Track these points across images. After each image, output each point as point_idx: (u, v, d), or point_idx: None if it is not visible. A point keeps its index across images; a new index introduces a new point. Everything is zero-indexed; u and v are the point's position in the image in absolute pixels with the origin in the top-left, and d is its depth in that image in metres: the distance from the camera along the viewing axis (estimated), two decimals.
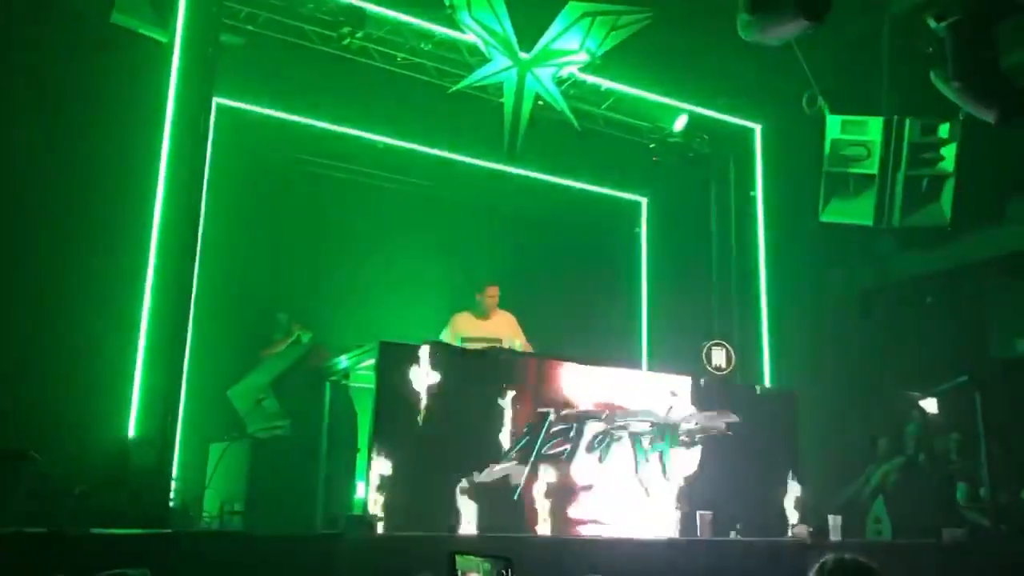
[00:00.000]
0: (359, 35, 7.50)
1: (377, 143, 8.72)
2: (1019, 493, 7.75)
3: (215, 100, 7.01)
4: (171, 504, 5.68)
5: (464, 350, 6.77)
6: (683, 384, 6.58)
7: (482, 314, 7.58)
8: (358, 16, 7.36)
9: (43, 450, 4.80)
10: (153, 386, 6.03)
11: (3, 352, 5.63)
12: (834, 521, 6.28)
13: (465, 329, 7.46)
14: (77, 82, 6.11)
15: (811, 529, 6.13)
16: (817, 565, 2.62)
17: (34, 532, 4.00)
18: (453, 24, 7.55)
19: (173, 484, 5.90)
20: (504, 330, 7.49)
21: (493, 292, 7.62)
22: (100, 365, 6.00)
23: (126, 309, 6.14)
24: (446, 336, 7.28)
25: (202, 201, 6.59)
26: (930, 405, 9.35)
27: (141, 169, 6.37)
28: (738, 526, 6.11)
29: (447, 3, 7.33)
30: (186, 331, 6.28)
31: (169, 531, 4.83)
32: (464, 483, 5.49)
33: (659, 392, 6.39)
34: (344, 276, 8.44)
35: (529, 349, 7.37)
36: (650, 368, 9.61)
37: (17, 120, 5.94)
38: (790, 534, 6.23)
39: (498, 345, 7.01)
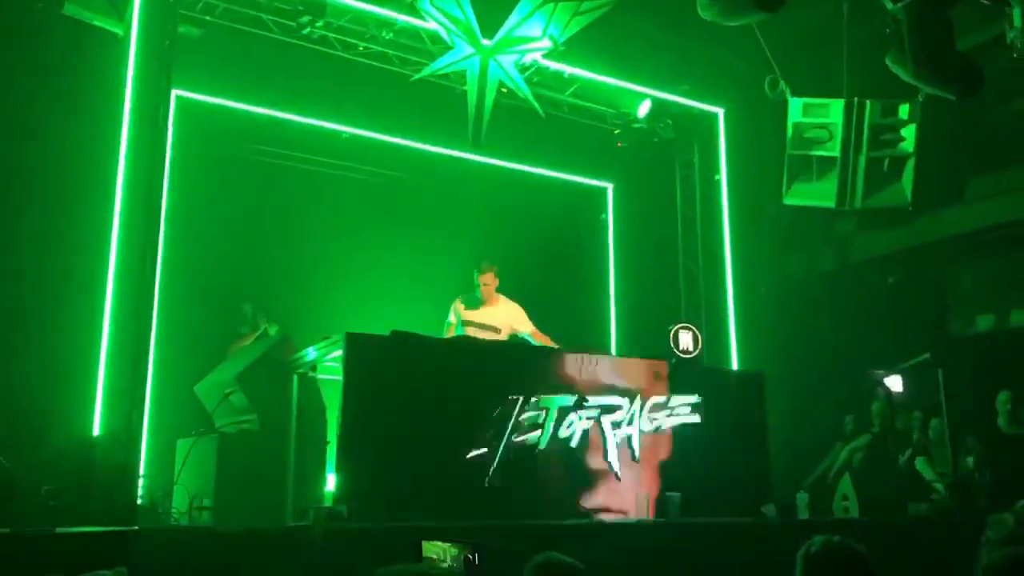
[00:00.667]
0: (319, 24, 7.45)
1: (340, 133, 8.66)
2: (979, 468, 7.91)
3: (174, 92, 6.92)
4: (139, 501, 5.63)
5: (433, 339, 6.75)
6: (651, 367, 6.61)
7: (480, 300, 7.26)
8: (318, 5, 7.29)
9: (6, 449, 4.73)
10: (117, 382, 5.98)
11: None
12: (801, 500, 6.37)
13: (466, 314, 7.23)
14: (32, 76, 6.01)
15: (779, 508, 6.21)
16: (803, 548, 2.54)
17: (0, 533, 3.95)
18: (415, 12, 7.51)
19: (141, 481, 5.84)
20: (504, 319, 7.23)
21: (487, 279, 7.23)
22: (62, 362, 5.94)
23: (88, 304, 6.07)
24: (452, 318, 7.21)
25: (163, 194, 6.52)
26: (894, 383, 9.52)
27: (101, 163, 6.30)
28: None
29: None
30: (150, 325, 6.23)
31: (137, 528, 4.79)
32: (434, 472, 5.48)
33: (628, 376, 6.42)
34: (308, 267, 8.38)
35: (544, 339, 7.18)
36: (618, 352, 9.65)
37: None
38: (760, 513, 6.29)
39: (497, 333, 6.95)
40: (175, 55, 6.72)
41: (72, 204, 6.20)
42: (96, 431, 5.91)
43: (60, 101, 6.21)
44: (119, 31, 6.15)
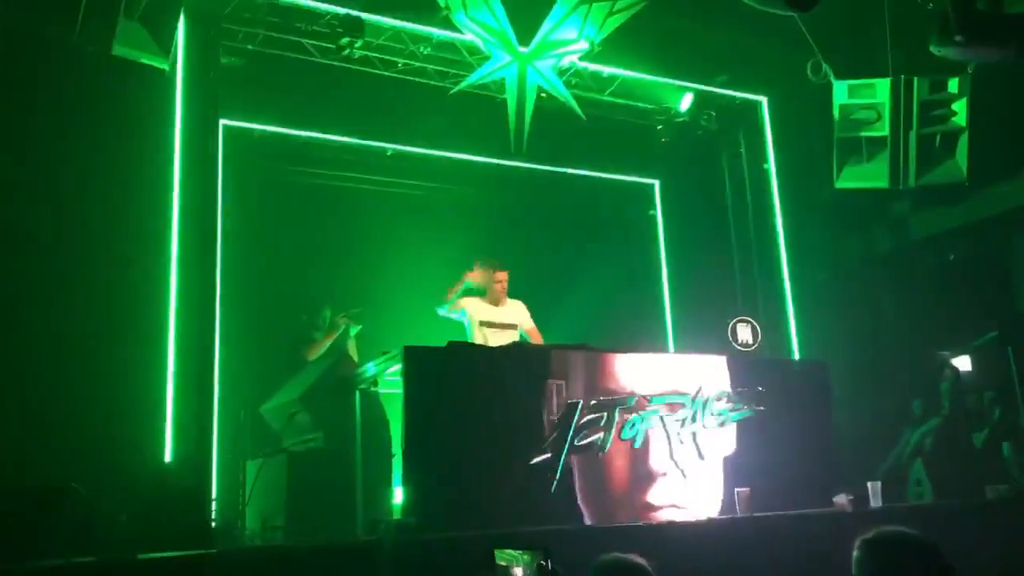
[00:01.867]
0: (358, 44, 7.55)
1: (385, 149, 8.76)
2: None
3: (222, 122, 7.07)
4: (213, 524, 5.74)
5: (487, 348, 6.79)
6: (711, 363, 6.56)
7: (494, 300, 7.51)
8: (355, 26, 7.40)
9: (84, 481, 4.87)
10: (186, 408, 6.13)
11: (37, 387, 5.73)
12: (874, 487, 6.25)
13: (482, 314, 7.44)
14: (88, 117, 6.21)
15: (851, 497, 6.10)
16: (859, 540, 2.51)
17: (84, 562, 4.06)
18: (451, 25, 7.57)
19: (214, 504, 5.96)
20: (517, 317, 7.53)
21: (502, 277, 7.51)
22: (132, 392, 6.10)
23: (153, 335, 6.24)
24: (468, 321, 7.35)
25: (218, 223, 6.66)
26: (962, 363, 9.29)
27: (155, 198, 6.47)
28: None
29: (442, 4, 7.34)
30: (214, 351, 6.38)
31: (214, 551, 4.88)
32: (499, 480, 5.50)
33: (687, 373, 6.37)
34: (363, 283, 8.47)
35: (538, 337, 7.43)
36: (676, 350, 9.60)
37: (38, 168, 6.07)
38: (831, 503, 6.19)
39: (514, 331, 7.12)
40: (219, 86, 6.89)
41: (131, 241, 6.39)
42: (168, 457, 6.06)
43: (112, 138, 6.40)
44: (165, 67, 6.30)
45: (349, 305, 7.84)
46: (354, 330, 7.47)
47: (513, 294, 7.69)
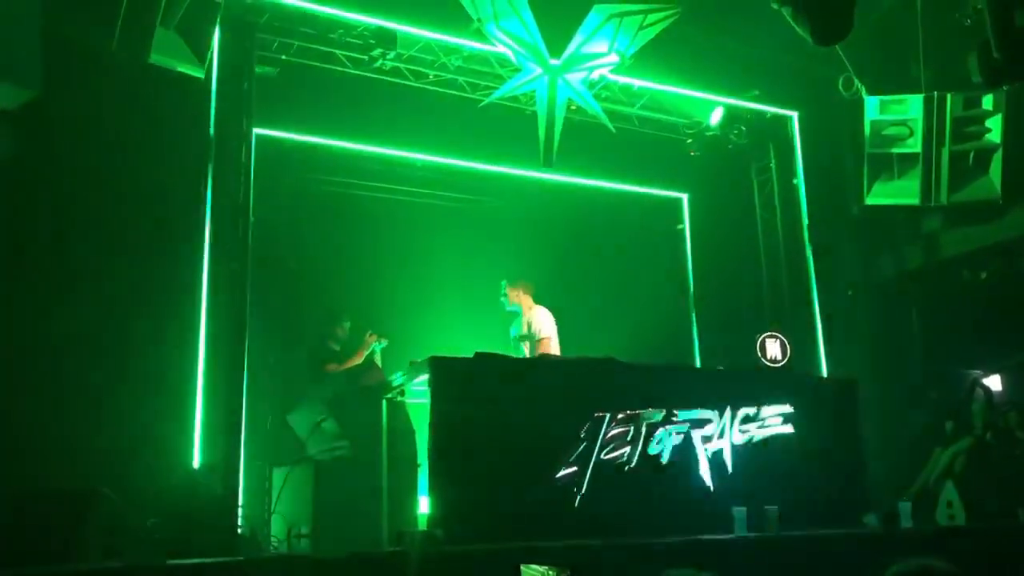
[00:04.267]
0: (390, 56, 7.59)
1: (415, 161, 8.79)
2: None
3: (254, 131, 7.13)
4: (239, 531, 5.77)
5: (514, 359, 6.79)
6: (739, 378, 6.52)
7: (520, 314, 7.86)
8: (388, 37, 7.45)
9: (113, 486, 4.90)
10: (215, 415, 6.16)
11: (69, 394, 5.80)
12: (904, 508, 6.17)
13: (513, 330, 7.82)
14: (123, 126, 6.29)
15: (881, 517, 6.03)
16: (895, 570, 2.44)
17: (112, 567, 4.10)
18: (481, 37, 7.59)
19: (240, 511, 5.99)
20: (532, 326, 7.72)
21: (507, 291, 7.88)
22: (162, 399, 6.15)
23: (182, 341, 6.28)
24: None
25: (249, 231, 6.70)
26: (993, 382, 9.16)
27: (188, 206, 6.52)
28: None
29: (474, 17, 7.37)
30: (243, 358, 6.40)
31: (241, 559, 4.90)
32: (524, 492, 5.48)
33: (716, 388, 6.33)
34: (391, 293, 8.49)
35: (548, 347, 7.56)
36: (703, 364, 9.53)
37: (76, 174, 6.17)
38: (861, 523, 6.12)
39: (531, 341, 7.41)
40: (253, 95, 6.95)
41: (162, 248, 6.47)
42: (196, 463, 6.09)
43: (145, 146, 6.48)
44: (201, 75, 6.36)
45: (371, 317, 7.85)
46: (379, 346, 7.46)
47: (540, 306, 7.80)
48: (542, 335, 7.52)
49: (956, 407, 8.66)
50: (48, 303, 6.01)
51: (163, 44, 6.05)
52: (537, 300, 7.89)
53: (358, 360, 7.33)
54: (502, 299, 7.90)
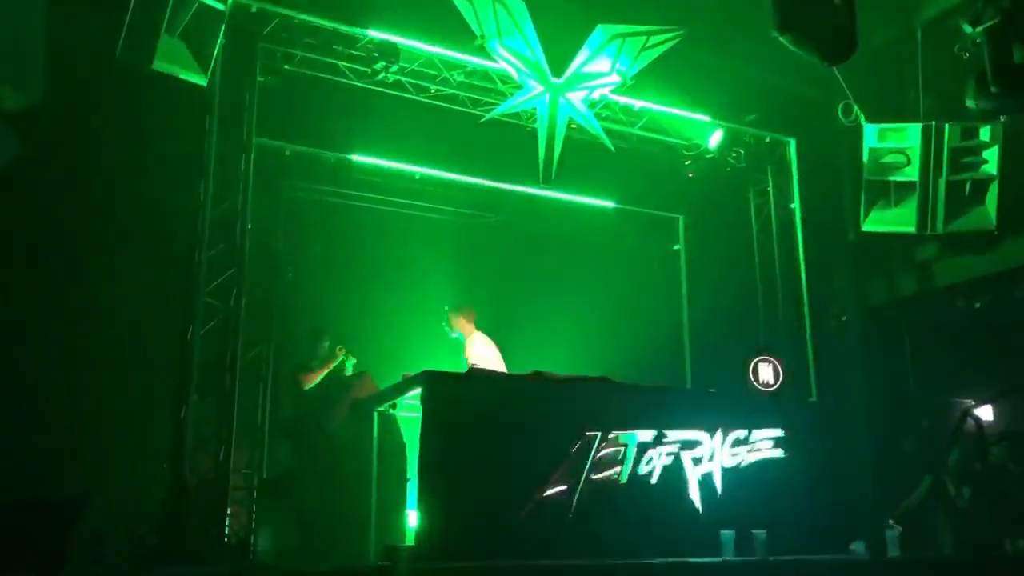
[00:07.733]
0: (393, 69, 7.62)
1: (414, 173, 8.81)
2: None
3: (255, 140, 7.14)
4: (226, 541, 5.74)
5: (507, 376, 6.78)
6: (730, 401, 6.52)
7: (462, 340, 7.59)
8: (391, 51, 7.49)
9: (102, 495, 4.89)
10: (205, 426, 6.14)
11: (60, 403, 5.78)
12: (891, 536, 6.17)
13: (467, 355, 7.46)
14: (124, 133, 6.31)
15: (869, 545, 6.02)
16: None
17: None
18: (484, 54, 7.62)
19: (227, 521, 5.96)
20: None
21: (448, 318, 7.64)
22: (152, 409, 6.14)
23: (175, 351, 6.26)
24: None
25: (247, 238, 6.70)
26: (985, 412, 9.17)
27: (186, 215, 6.52)
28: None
29: (478, 33, 7.40)
30: (236, 369, 6.38)
31: (228, 568, 4.89)
32: (513, 509, 5.47)
33: (706, 410, 6.33)
34: (385, 305, 8.50)
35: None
36: (695, 386, 9.53)
37: (74, 183, 6.18)
38: (849, 551, 6.12)
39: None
40: (255, 104, 6.97)
41: (157, 256, 6.48)
42: (185, 473, 6.07)
43: (145, 153, 6.50)
44: (204, 83, 6.38)
45: (366, 328, 7.83)
46: (350, 363, 7.42)
47: (534, 323, 7.73)
48: (470, 362, 7.28)
49: (946, 435, 8.67)
50: (40, 318, 6.00)
51: (167, 51, 6.08)
52: (524, 320, 7.81)
53: (324, 372, 7.28)
54: (444, 327, 7.66)
